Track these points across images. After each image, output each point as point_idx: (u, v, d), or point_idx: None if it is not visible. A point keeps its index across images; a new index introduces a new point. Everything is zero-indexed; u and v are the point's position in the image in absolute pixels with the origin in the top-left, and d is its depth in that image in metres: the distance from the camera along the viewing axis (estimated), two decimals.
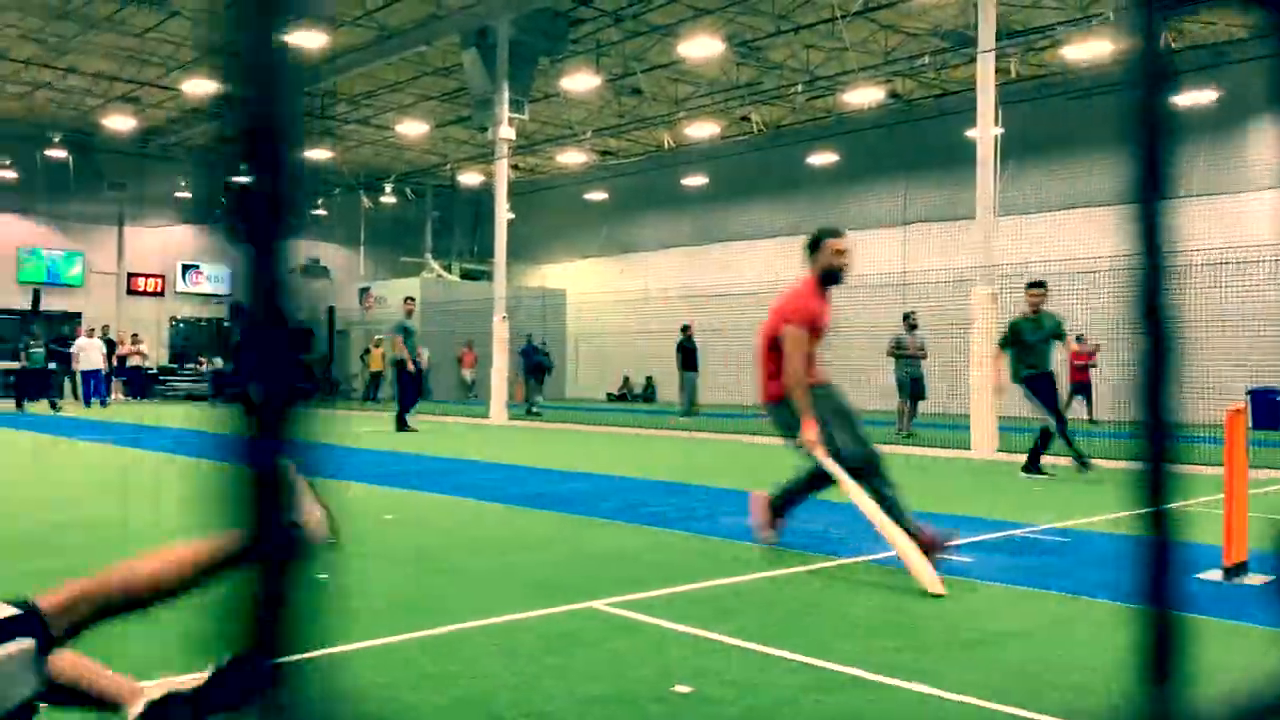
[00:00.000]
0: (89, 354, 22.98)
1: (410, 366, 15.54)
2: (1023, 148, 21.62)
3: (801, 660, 3.56)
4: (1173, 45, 20.55)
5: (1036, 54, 21.99)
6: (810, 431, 5.37)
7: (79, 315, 29.87)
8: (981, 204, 13.80)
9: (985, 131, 13.92)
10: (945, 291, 19.85)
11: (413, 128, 28.28)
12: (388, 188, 34.45)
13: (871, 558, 5.52)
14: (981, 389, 12.92)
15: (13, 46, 23.11)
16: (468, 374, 29.61)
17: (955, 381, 17.96)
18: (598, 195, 34.05)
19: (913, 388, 15.45)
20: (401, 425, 15.68)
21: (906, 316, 15.71)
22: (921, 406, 15.97)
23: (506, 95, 20.34)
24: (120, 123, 27.57)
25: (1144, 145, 0.64)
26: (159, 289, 32.11)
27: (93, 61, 24.34)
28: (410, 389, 15.91)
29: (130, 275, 31.61)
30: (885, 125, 26.05)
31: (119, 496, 7.99)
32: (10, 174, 29.30)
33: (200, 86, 23.88)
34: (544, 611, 4.23)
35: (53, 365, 25.38)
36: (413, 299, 16.64)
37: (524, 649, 3.67)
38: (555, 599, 4.44)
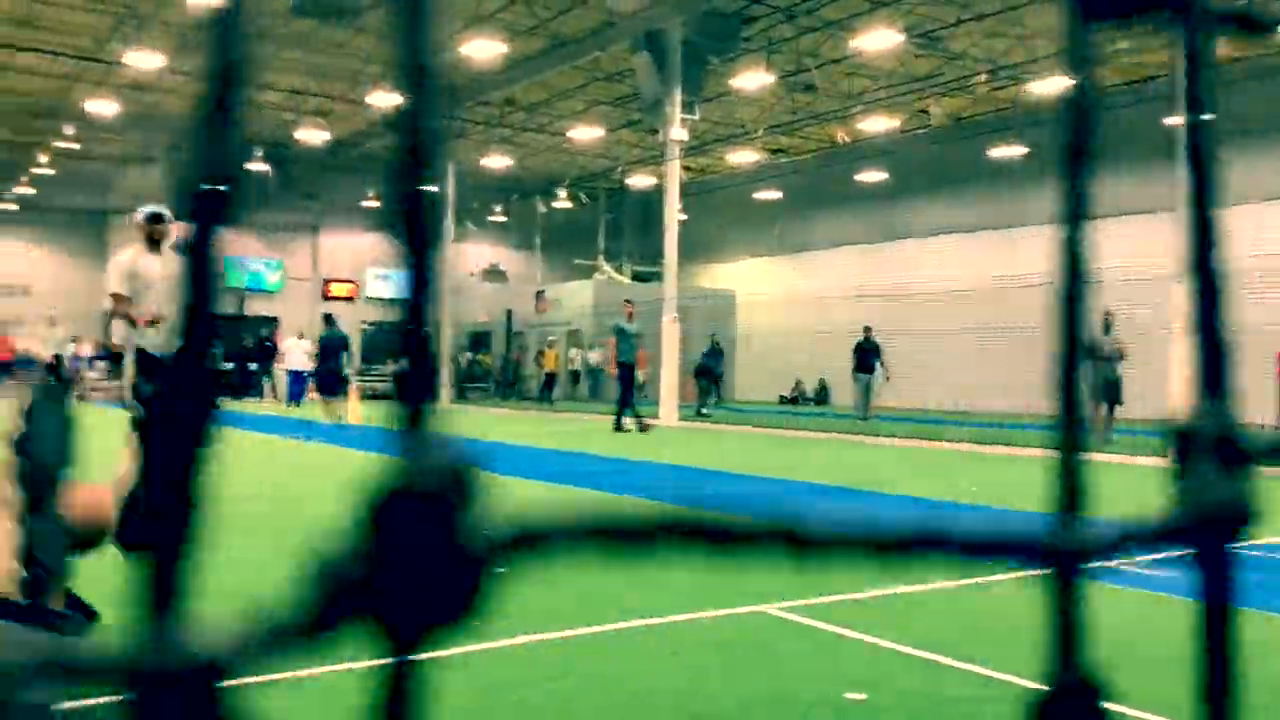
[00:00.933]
0: (294, 354, 24.30)
1: (642, 367, 16.00)
2: (1231, 136, 20.23)
3: (979, 671, 3.43)
4: None
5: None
6: None
7: (276, 319, 31.84)
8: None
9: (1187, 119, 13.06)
10: (1139, 291, 18.79)
11: (586, 133, 28.81)
12: (562, 192, 35.21)
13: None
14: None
15: None
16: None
17: (1154, 385, 16.89)
18: (769, 194, 33.78)
19: (1107, 392, 14.48)
20: (618, 425, 16.13)
21: (1103, 315, 14.72)
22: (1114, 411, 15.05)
23: (678, 97, 20.44)
24: (312, 135, 29.18)
25: None
26: (351, 294, 33.75)
27: (287, 78, 25.82)
28: (624, 389, 16.25)
29: (325, 281, 33.37)
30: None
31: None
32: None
33: (385, 99, 24.98)
34: (715, 613, 4.22)
35: (253, 365, 27.09)
36: (631, 301, 16.84)
37: (692, 650, 3.66)
38: (726, 601, 4.42)
